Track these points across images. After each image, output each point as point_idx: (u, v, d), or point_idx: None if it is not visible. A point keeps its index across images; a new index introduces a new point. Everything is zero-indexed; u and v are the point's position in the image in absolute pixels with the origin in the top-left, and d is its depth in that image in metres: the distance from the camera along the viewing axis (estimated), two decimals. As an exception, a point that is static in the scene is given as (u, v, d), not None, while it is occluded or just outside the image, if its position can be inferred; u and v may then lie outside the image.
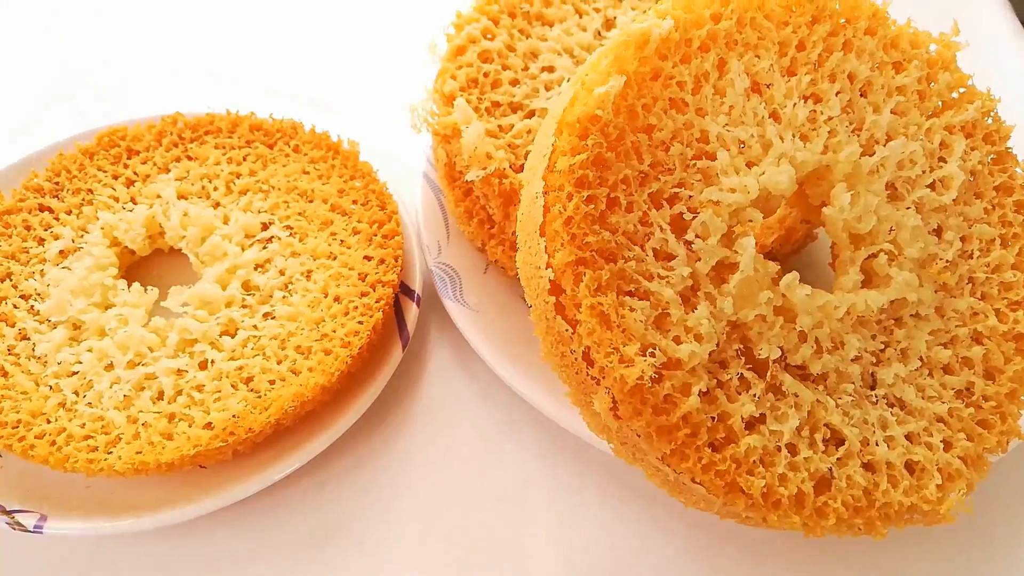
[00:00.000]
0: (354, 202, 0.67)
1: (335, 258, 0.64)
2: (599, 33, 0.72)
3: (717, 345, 0.46)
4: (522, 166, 0.63)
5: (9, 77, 0.94)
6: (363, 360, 0.60)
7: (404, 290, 0.66)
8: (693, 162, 0.49)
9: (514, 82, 0.67)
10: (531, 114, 0.66)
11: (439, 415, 0.63)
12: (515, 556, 0.56)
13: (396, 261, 0.63)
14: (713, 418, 0.45)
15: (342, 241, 0.65)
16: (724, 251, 0.48)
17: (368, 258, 0.64)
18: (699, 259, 0.48)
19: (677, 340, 0.45)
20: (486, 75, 0.66)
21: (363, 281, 0.62)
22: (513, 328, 0.65)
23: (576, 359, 0.46)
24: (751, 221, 0.49)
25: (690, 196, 0.49)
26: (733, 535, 0.57)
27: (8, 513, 0.54)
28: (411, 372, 0.66)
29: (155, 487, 0.56)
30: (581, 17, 0.72)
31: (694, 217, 0.48)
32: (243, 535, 0.57)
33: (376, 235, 0.65)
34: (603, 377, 0.44)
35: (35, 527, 0.53)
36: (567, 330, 0.46)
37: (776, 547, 0.57)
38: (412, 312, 0.65)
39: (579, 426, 0.58)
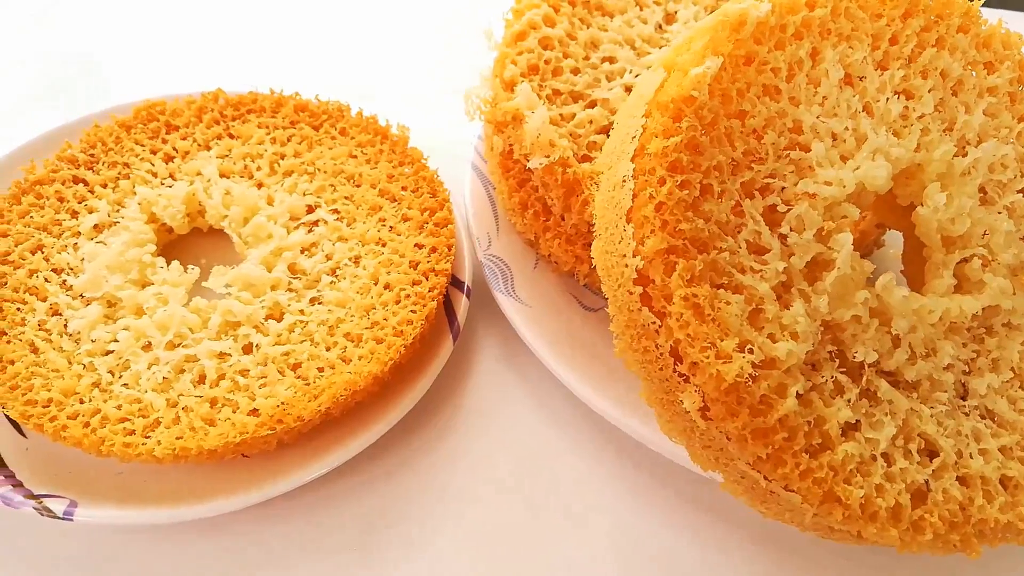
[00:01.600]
0: (404, 188, 0.65)
1: (384, 244, 0.61)
2: (660, 27, 0.70)
3: (812, 345, 0.44)
4: (585, 156, 0.60)
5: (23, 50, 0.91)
6: (414, 351, 0.57)
7: (453, 281, 0.63)
8: (786, 152, 0.47)
9: (575, 71, 0.65)
10: (592, 104, 0.63)
11: (489, 413, 0.60)
12: (572, 568, 0.52)
13: (449, 250, 0.60)
14: (809, 422, 0.42)
15: (391, 227, 0.62)
16: (819, 247, 0.45)
17: (419, 246, 0.61)
18: (793, 254, 0.45)
19: (772, 338, 0.43)
20: (547, 62, 0.64)
21: (414, 269, 0.59)
22: (566, 326, 0.62)
23: (662, 354, 0.43)
24: (844, 217, 0.46)
25: (783, 188, 0.46)
26: (805, 551, 0.54)
27: (36, 497, 0.50)
28: (459, 366, 0.63)
29: (191, 476, 0.53)
30: (641, 9, 0.70)
31: (788, 209, 0.45)
32: (284, 532, 0.53)
33: (427, 223, 0.62)
34: (694, 374, 0.42)
35: (65, 513, 0.49)
36: (654, 323, 0.43)
37: (847, 565, 0.54)
38: (462, 304, 0.62)
39: (643, 430, 0.55)
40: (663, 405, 0.46)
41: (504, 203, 0.67)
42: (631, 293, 0.44)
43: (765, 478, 0.42)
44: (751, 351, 0.41)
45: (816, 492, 0.41)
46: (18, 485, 0.51)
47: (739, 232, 0.45)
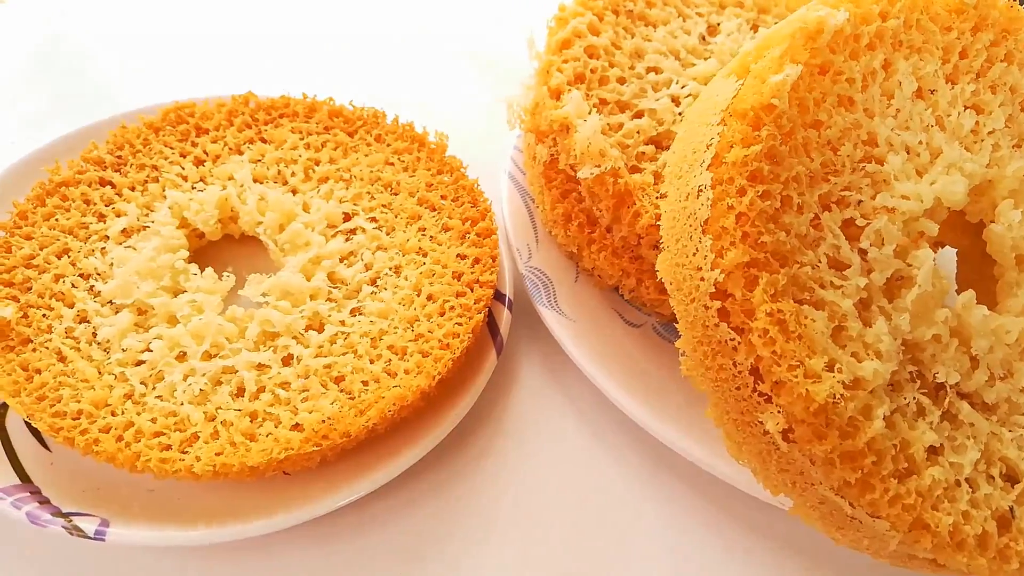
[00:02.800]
0: (443, 197, 0.63)
1: (425, 254, 0.59)
2: (703, 38, 0.69)
3: (895, 365, 0.42)
4: (634, 167, 0.59)
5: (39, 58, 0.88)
6: (458, 365, 0.55)
7: (495, 294, 0.61)
8: (861, 165, 0.45)
9: (621, 80, 0.63)
10: (639, 114, 0.62)
11: (533, 429, 0.58)
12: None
13: (493, 261, 0.58)
14: (895, 446, 0.40)
15: (432, 237, 0.60)
16: (898, 263, 0.44)
17: (462, 256, 0.59)
18: (872, 269, 0.43)
19: (857, 357, 0.41)
20: (593, 71, 0.62)
21: (458, 280, 0.57)
22: (610, 341, 0.60)
23: (740, 372, 0.41)
24: (921, 232, 0.45)
25: (859, 201, 0.45)
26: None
27: (65, 516, 0.47)
28: (502, 382, 0.60)
29: (228, 493, 0.50)
30: (684, 21, 0.69)
31: (867, 224, 0.44)
32: (326, 554, 0.51)
33: (469, 233, 0.60)
34: (778, 394, 0.40)
35: (96, 533, 0.46)
36: (732, 339, 0.41)
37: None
38: (504, 317, 0.60)
39: (697, 451, 0.53)
40: (736, 426, 0.44)
41: (545, 215, 0.65)
42: (707, 308, 0.42)
43: (850, 504, 0.40)
44: (841, 370, 0.39)
45: (905, 519, 0.39)
46: (45, 502, 0.48)
47: (818, 246, 0.43)
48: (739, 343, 0.41)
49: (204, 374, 0.51)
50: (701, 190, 0.43)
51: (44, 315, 0.53)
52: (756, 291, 0.40)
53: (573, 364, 0.60)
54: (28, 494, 0.48)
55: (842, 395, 0.39)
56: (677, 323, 0.63)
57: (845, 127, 0.45)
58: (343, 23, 0.97)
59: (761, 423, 0.42)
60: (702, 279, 0.42)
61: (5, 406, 0.53)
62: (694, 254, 0.43)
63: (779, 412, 0.40)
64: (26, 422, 0.53)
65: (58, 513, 0.47)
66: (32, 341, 0.52)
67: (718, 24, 0.70)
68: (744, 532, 0.53)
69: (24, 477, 0.50)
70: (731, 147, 0.42)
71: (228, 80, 0.86)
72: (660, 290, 0.59)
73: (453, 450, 0.56)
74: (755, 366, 0.41)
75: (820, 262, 0.43)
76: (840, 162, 0.45)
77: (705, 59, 0.66)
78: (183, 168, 0.63)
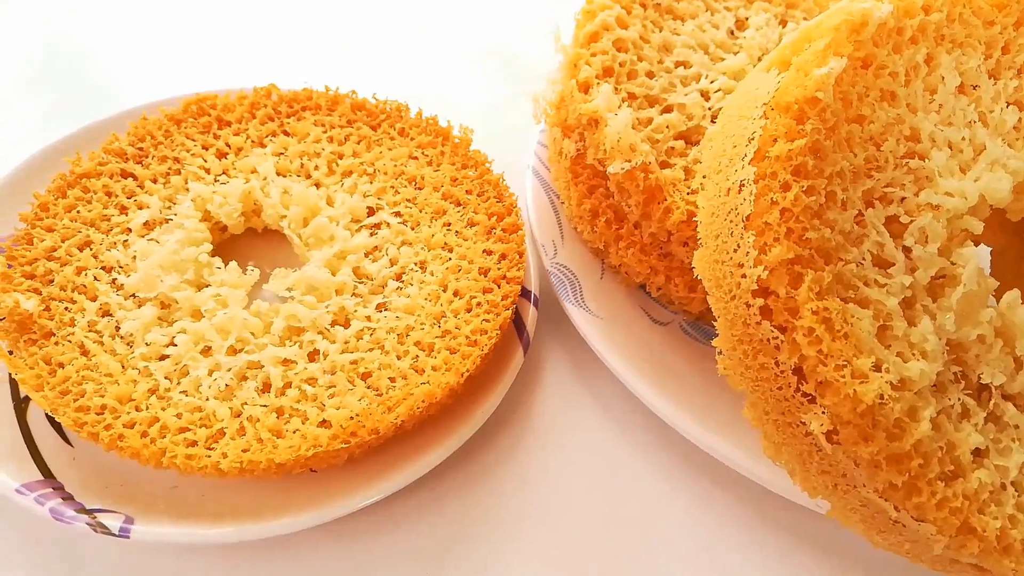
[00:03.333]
0: (468, 192, 0.62)
1: (451, 250, 0.58)
2: (731, 32, 0.68)
3: (941, 366, 0.41)
4: (664, 163, 0.58)
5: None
6: (485, 363, 0.54)
7: (520, 290, 0.60)
8: (904, 161, 0.44)
9: (650, 74, 0.62)
10: (669, 109, 0.61)
11: (559, 428, 0.57)
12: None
13: (520, 257, 0.58)
14: (941, 448, 0.40)
15: (458, 232, 0.59)
16: (942, 261, 0.43)
17: (488, 252, 0.58)
18: (916, 268, 0.42)
19: (903, 357, 0.40)
20: (622, 64, 0.61)
21: (484, 276, 0.57)
22: (637, 340, 0.60)
23: (782, 372, 0.41)
24: (965, 230, 0.44)
25: (903, 198, 0.44)
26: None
27: (88, 512, 0.46)
28: (527, 380, 0.59)
29: (252, 491, 0.49)
30: (713, 15, 0.68)
31: (911, 221, 0.43)
32: (352, 553, 0.50)
33: (495, 228, 0.59)
34: (822, 394, 0.39)
35: (121, 530, 0.46)
36: (775, 338, 0.40)
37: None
38: (530, 314, 0.59)
39: (730, 451, 0.52)
40: (776, 426, 0.43)
41: (571, 210, 0.64)
42: (749, 305, 0.41)
43: (895, 507, 0.39)
44: (888, 370, 0.38)
45: (952, 523, 0.38)
46: (68, 498, 0.47)
47: (861, 243, 0.42)
48: (782, 342, 0.40)
49: (229, 369, 0.50)
50: (743, 185, 0.42)
51: (67, 308, 0.53)
52: (801, 288, 0.39)
53: (599, 362, 0.59)
54: (51, 490, 0.47)
55: (890, 396, 0.38)
56: (704, 321, 0.63)
57: (888, 122, 0.44)
58: (354, 17, 0.96)
59: (803, 424, 0.41)
60: (744, 276, 0.41)
61: (27, 400, 0.53)
62: (735, 250, 0.42)
63: (823, 413, 0.39)
64: (48, 416, 0.52)
65: (82, 510, 0.46)
66: (55, 334, 0.51)
67: (746, 18, 0.69)
68: (777, 533, 0.53)
69: (46, 472, 0.49)
70: (774, 141, 0.41)
71: (239, 75, 0.85)
72: (690, 287, 0.58)
73: (479, 448, 0.55)
74: (798, 366, 0.40)
75: (864, 259, 0.42)
76: (883, 158, 0.44)
77: (734, 54, 0.65)
78: (205, 161, 0.62)
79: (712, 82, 0.63)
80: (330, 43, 0.91)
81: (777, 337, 0.40)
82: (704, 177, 0.47)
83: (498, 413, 0.55)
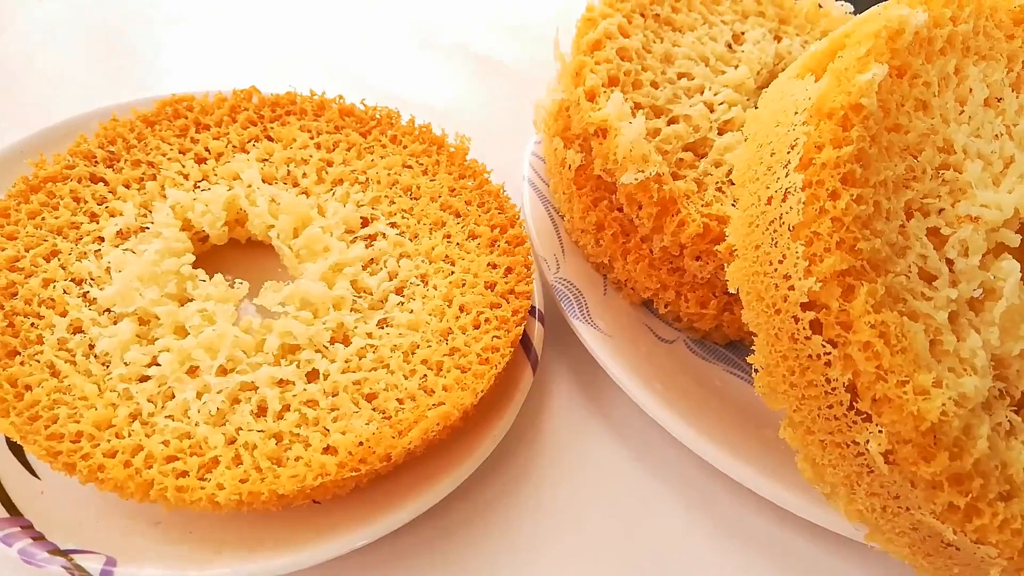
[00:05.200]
0: (467, 203, 0.59)
1: (453, 263, 0.55)
2: (729, 46, 0.67)
3: (991, 381, 0.40)
4: (675, 174, 0.56)
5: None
6: (496, 382, 0.51)
7: (524, 306, 0.57)
8: (940, 172, 0.43)
9: (655, 84, 0.60)
10: (675, 120, 0.59)
11: (571, 451, 0.54)
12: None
13: (528, 270, 0.55)
14: (996, 467, 0.38)
15: (459, 244, 0.56)
16: (983, 274, 0.42)
17: (493, 265, 0.55)
18: (959, 281, 0.41)
19: (955, 373, 0.38)
20: (627, 74, 0.59)
21: (491, 291, 0.53)
22: (647, 358, 0.57)
23: (834, 389, 0.39)
24: (1002, 243, 0.43)
25: (941, 210, 0.43)
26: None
27: (64, 554, 0.41)
28: (534, 400, 0.56)
29: (246, 526, 0.45)
30: (711, 28, 0.67)
31: (952, 233, 0.42)
32: (356, 591, 0.46)
33: (499, 241, 0.56)
34: (879, 412, 0.37)
35: (102, 574, 0.40)
36: (826, 353, 0.38)
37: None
38: (537, 331, 0.56)
39: (755, 476, 0.50)
40: (821, 447, 0.41)
41: (573, 224, 0.62)
42: (797, 319, 0.39)
43: (954, 530, 0.37)
44: (947, 387, 0.37)
45: (1014, 544, 0.37)
46: (39, 538, 0.42)
47: (904, 255, 0.41)
48: (834, 357, 0.38)
49: (220, 391, 0.46)
50: (788, 193, 0.40)
51: (33, 324, 0.47)
52: (856, 301, 0.37)
53: (606, 380, 0.57)
54: (18, 528, 0.42)
55: (953, 412, 0.36)
56: (711, 339, 0.61)
57: (923, 132, 0.43)
58: (330, 22, 0.92)
59: (855, 444, 0.39)
60: (791, 288, 0.39)
61: (-16, 427, 0.47)
62: (780, 261, 0.40)
63: (881, 432, 0.37)
64: (9, 446, 0.47)
65: (56, 551, 0.41)
66: (20, 353, 0.46)
67: (742, 32, 0.68)
68: (804, 559, 0.50)
69: (11, 509, 0.43)
70: (820, 148, 0.40)
71: (212, 79, 0.80)
72: (701, 303, 0.56)
73: (488, 474, 0.51)
74: (852, 382, 0.38)
75: (911, 272, 0.40)
76: (920, 168, 0.43)
77: (734, 67, 0.64)
78: (183, 166, 0.57)
79: (716, 94, 0.61)
80: (307, 49, 0.87)
81: (828, 352, 0.38)
82: (738, 186, 0.45)
83: (506, 436, 0.52)
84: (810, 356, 0.39)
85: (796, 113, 0.42)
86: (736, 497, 0.53)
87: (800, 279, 0.39)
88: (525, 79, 0.88)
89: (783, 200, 0.40)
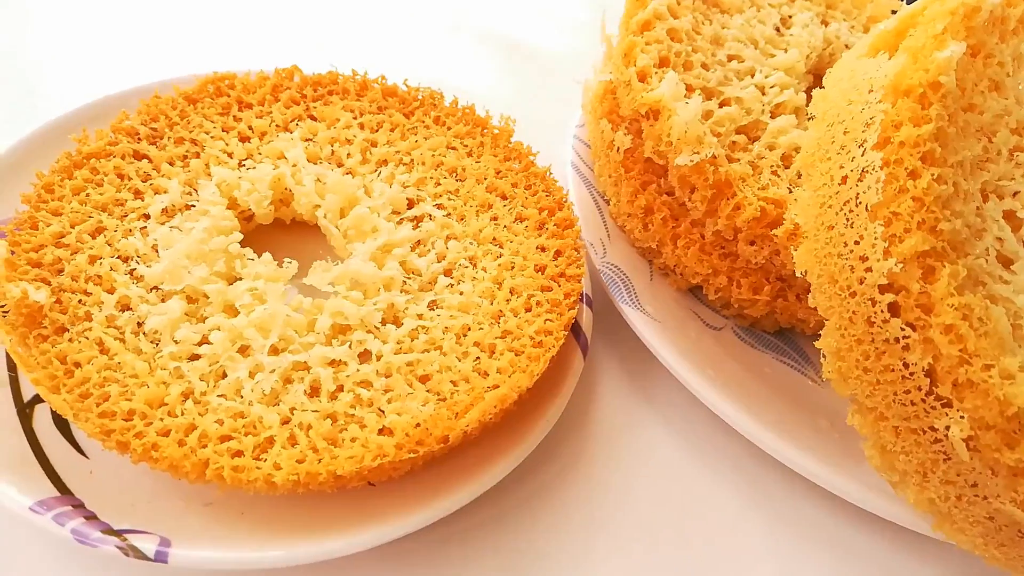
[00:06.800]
0: (514, 185, 0.58)
1: (502, 245, 0.54)
2: (778, 29, 0.65)
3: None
4: (729, 157, 0.55)
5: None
6: (549, 366, 0.50)
7: (572, 290, 0.56)
8: (1014, 154, 0.42)
9: (705, 66, 0.59)
10: (726, 102, 0.58)
11: (620, 436, 0.53)
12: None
13: (578, 253, 0.54)
14: (1075, 454, 0.37)
15: (506, 227, 0.55)
16: (1058, 259, 0.41)
17: (542, 248, 0.54)
18: (1035, 265, 0.40)
19: (1035, 357, 0.37)
20: (677, 55, 0.58)
21: (541, 273, 0.52)
22: (696, 344, 0.56)
23: (912, 374, 0.38)
24: (1075, 229, 0.42)
25: (1016, 192, 0.41)
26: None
27: (118, 534, 0.40)
28: (583, 385, 0.55)
29: (298, 508, 0.44)
30: (758, 11, 0.66)
31: (1029, 216, 0.41)
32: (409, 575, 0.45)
33: (547, 223, 0.55)
34: (961, 398, 0.36)
35: (157, 555, 0.40)
36: (905, 337, 0.37)
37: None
38: (586, 316, 0.55)
39: (802, 459, 0.49)
40: (895, 433, 0.40)
41: (620, 208, 0.61)
42: (875, 302, 0.38)
43: (1037, 518, 0.36)
44: (1034, 371, 0.36)
45: (1098, 535, 0.36)
46: (91, 518, 0.41)
47: (982, 238, 0.39)
48: (913, 341, 0.37)
49: (273, 370, 0.45)
50: (866, 172, 0.39)
51: (80, 301, 0.46)
52: (938, 283, 0.36)
53: (655, 367, 0.56)
54: (70, 508, 0.41)
55: (1035, 399, 0.35)
56: (760, 326, 0.60)
57: (997, 113, 0.42)
58: (361, 4, 0.91)
59: (932, 431, 0.38)
60: (868, 270, 0.38)
61: (31, 405, 0.46)
62: (856, 242, 0.39)
63: (963, 417, 0.36)
64: (57, 424, 0.46)
65: (109, 531, 0.40)
66: (68, 330, 0.45)
67: (790, 16, 0.67)
68: (854, 542, 0.49)
69: (62, 488, 0.43)
70: (898, 127, 0.39)
71: (246, 58, 0.79)
72: (754, 289, 0.55)
73: (540, 459, 0.51)
74: (931, 367, 0.37)
75: (988, 254, 0.39)
76: (995, 150, 0.42)
77: (784, 50, 0.63)
78: (227, 144, 0.56)
79: (767, 77, 0.60)
80: (335, 32, 0.86)
81: (907, 336, 0.37)
82: (806, 165, 0.44)
83: (556, 422, 0.51)
84: (887, 340, 0.38)
85: (870, 91, 0.41)
86: (790, 486, 0.52)
87: (878, 260, 0.38)
88: (558, 64, 0.87)
89: (860, 179, 0.39)
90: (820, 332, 0.57)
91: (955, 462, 0.38)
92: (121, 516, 0.42)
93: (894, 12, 0.72)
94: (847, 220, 0.40)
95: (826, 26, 0.68)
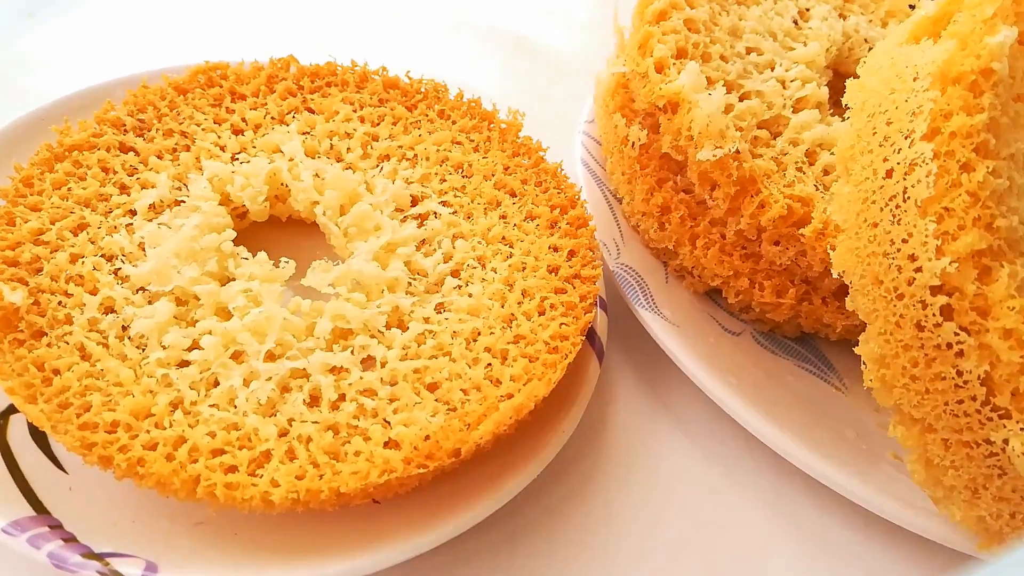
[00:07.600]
0: (523, 182, 0.55)
1: (512, 244, 0.51)
2: (796, 22, 0.63)
3: None
4: (752, 152, 0.52)
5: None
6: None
7: (585, 293, 0.53)
8: (1065, 149, 0.39)
9: (724, 58, 0.56)
10: (747, 96, 0.55)
11: (639, 447, 0.50)
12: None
13: (593, 253, 0.51)
14: None
15: (516, 225, 0.52)
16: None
17: (555, 248, 0.51)
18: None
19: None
20: (695, 46, 0.55)
21: (554, 275, 0.49)
22: (716, 350, 0.53)
23: (966, 382, 0.35)
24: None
25: (1067, 189, 0.39)
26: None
27: (99, 557, 0.37)
28: (600, 393, 0.52)
29: (295, 528, 0.41)
30: (776, 3, 0.63)
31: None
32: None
33: (559, 222, 0.52)
34: (1021, 408, 0.33)
35: (142, 579, 0.36)
36: (959, 342, 0.34)
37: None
38: (600, 320, 0.52)
39: (830, 471, 0.46)
40: (944, 446, 0.37)
41: (634, 206, 0.58)
42: (925, 304, 0.35)
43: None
44: (1098, 379, 0.33)
45: None
46: (70, 539, 0.38)
47: (1030, 237, 0.37)
48: (968, 347, 0.34)
49: (270, 378, 0.42)
50: (914, 165, 0.36)
51: (60, 303, 0.43)
52: (996, 284, 0.33)
53: (673, 373, 0.53)
54: (47, 529, 0.38)
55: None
56: (781, 331, 0.57)
57: (1047, 104, 0.39)
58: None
59: (988, 443, 0.35)
60: (918, 270, 0.35)
61: (5, 416, 0.43)
62: (904, 241, 0.36)
63: (1023, 430, 0.33)
64: (33, 436, 0.42)
65: (90, 554, 0.37)
66: (47, 334, 0.42)
67: (807, 9, 0.64)
68: (885, 560, 0.47)
69: (38, 507, 0.39)
70: (949, 116, 0.36)
71: (239, 49, 0.76)
72: (778, 292, 0.53)
73: (553, 474, 0.47)
74: (988, 374, 0.34)
75: (1042, 254, 0.36)
76: (1046, 142, 0.39)
77: (803, 43, 0.60)
78: (219, 137, 0.53)
79: (787, 70, 0.58)
80: (335, 28, 0.83)
81: (961, 341, 0.34)
82: (845, 158, 0.41)
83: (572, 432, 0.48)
84: (938, 346, 0.35)
85: (915, 79, 0.38)
86: (815, 498, 0.49)
87: (930, 259, 0.35)
88: (561, 62, 0.84)
89: (908, 173, 0.37)
90: (846, 338, 0.56)
91: (1011, 477, 0.35)
92: (103, 538, 0.38)
93: (912, 7, 0.70)
94: (893, 216, 0.37)
95: (844, 19, 0.66)
